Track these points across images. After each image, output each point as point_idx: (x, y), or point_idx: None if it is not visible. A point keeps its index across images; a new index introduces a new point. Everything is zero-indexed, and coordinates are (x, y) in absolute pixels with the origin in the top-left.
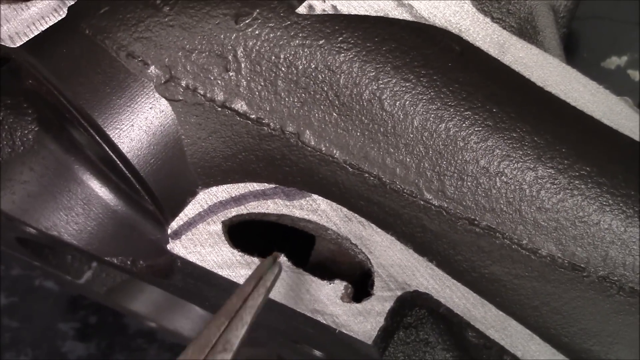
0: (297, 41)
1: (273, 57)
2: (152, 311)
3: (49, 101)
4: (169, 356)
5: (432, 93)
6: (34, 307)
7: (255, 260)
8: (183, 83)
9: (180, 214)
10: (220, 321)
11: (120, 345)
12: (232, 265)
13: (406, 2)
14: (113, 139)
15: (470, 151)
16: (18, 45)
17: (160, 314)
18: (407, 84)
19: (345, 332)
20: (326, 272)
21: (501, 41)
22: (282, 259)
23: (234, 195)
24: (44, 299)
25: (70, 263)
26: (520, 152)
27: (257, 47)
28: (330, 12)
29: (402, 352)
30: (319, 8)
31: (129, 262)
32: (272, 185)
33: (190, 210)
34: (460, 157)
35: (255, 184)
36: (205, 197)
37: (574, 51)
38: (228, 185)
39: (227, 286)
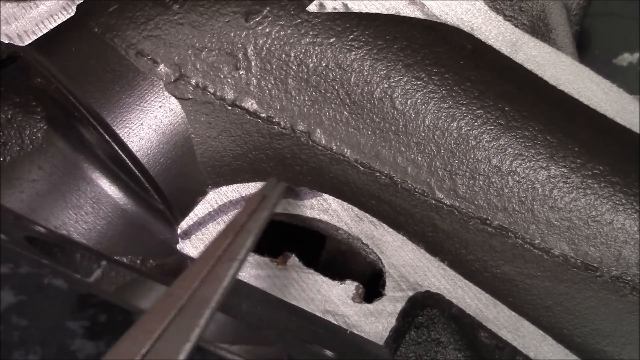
0: (307, 39)
1: (283, 55)
2: None
3: (58, 99)
4: None
5: (443, 91)
6: (43, 305)
7: (266, 261)
8: (193, 81)
9: (190, 214)
10: (226, 235)
11: None
12: (243, 265)
13: (418, 0)
14: (122, 137)
15: (482, 150)
16: (27, 43)
17: None
18: (419, 83)
19: (356, 332)
20: (337, 272)
21: (513, 39)
22: (293, 259)
23: (244, 195)
24: (53, 298)
25: (80, 261)
26: (533, 151)
27: (268, 45)
28: (341, 10)
29: (413, 352)
30: (330, 6)
31: (138, 262)
32: None
33: (200, 209)
34: (472, 156)
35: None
36: (216, 197)
37: (586, 48)
38: (238, 184)
39: (237, 287)
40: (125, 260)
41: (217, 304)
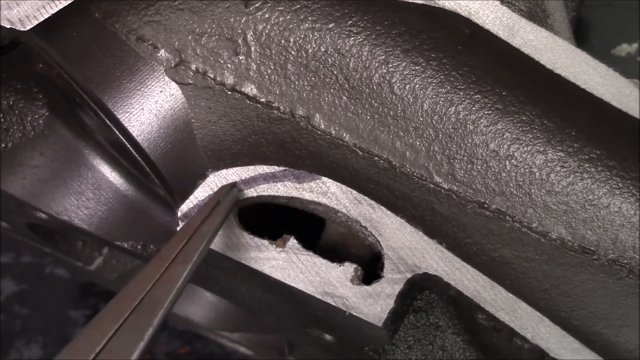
0: (306, 25)
1: (283, 41)
2: None
3: (59, 85)
4: (179, 343)
5: (441, 76)
6: (44, 294)
7: (265, 243)
8: (193, 66)
9: (190, 197)
10: (180, 239)
11: None
12: (242, 248)
13: None
14: (123, 122)
15: (480, 134)
16: (28, 28)
17: None
18: (417, 68)
19: (355, 314)
20: (336, 254)
21: (511, 24)
22: (292, 241)
23: (243, 178)
24: (54, 287)
25: (81, 249)
26: (530, 136)
27: (267, 31)
28: None
29: (412, 336)
30: None
31: (139, 247)
32: (282, 168)
33: (200, 192)
34: (470, 141)
35: (265, 167)
36: (216, 180)
37: (584, 38)
38: (238, 167)
39: (236, 269)
40: (126, 246)
41: (170, 304)
